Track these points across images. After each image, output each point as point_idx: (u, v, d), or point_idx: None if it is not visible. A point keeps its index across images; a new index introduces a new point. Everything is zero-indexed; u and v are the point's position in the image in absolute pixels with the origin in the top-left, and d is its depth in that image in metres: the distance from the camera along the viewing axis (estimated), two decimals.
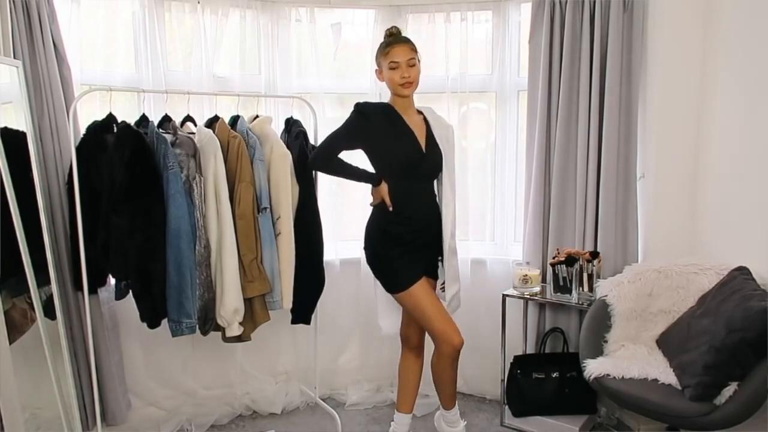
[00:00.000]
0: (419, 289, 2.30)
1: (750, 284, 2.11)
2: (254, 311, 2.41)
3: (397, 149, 2.29)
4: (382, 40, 2.35)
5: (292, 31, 3.05)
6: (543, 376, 2.77)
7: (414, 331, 2.51)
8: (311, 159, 2.40)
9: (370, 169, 2.36)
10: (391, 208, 2.29)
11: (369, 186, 2.37)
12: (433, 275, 2.46)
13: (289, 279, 2.44)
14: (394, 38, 2.29)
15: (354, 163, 2.35)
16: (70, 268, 2.49)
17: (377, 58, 2.33)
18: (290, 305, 2.48)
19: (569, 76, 2.73)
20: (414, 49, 2.27)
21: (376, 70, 2.35)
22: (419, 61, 2.29)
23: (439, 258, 2.44)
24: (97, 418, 2.44)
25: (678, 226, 2.71)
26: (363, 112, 2.29)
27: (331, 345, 3.13)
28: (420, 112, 2.41)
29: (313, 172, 2.58)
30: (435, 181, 2.43)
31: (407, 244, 2.33)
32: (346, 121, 2.31)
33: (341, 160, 2.32)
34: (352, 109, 2.32)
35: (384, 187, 2.30)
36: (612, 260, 2.73)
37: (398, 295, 2.34)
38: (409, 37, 2.35)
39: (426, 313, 2.31)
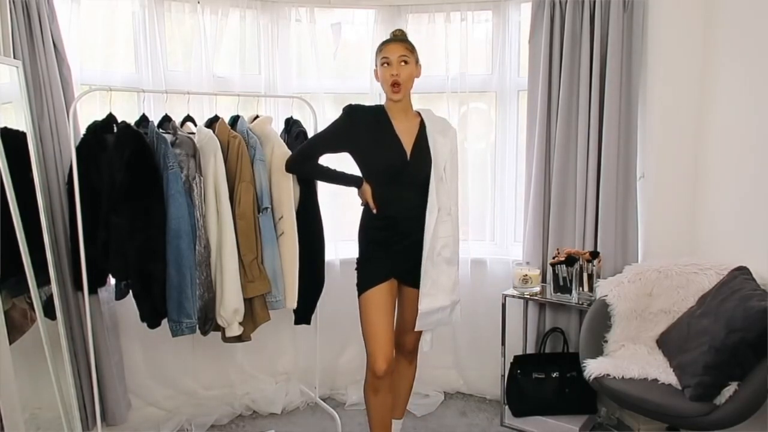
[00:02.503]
0: (373, 296, 2.22)
1: (750, 284, 2.11)
2: (254, 311, 2.41)
3: (380, 156, 2.22)
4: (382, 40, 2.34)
5: (292, 31, 3.05)
6: (543, 376, 2.78)
7: (407, 336, 2.41)
8: (286, 162, 2.34)
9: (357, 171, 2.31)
10: (375, 211, 2.24)
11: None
12: (412, 284, 2.27)
13: (293, 278, 2.44)
14: (392, 37, 2.27)
15: (341, 166, 2.32)
16: (70, 268, 2.48)
17: (375, 57, 2.31)
18: (294, 305, 2.48)
19: (569, 76, 2.73)
20: (409, 49, 2.21)
21: (374, 70, 2.31)
22: (417, 64, 2.24)
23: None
24: (97, 418, 2.44)
25: (678, 226, 2.71)
26: (351, 114, 2.25)
27: (331, 345, 3.13)
28: (418, 114, 2.34)
29: None
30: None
31: (386, 248, 2.25)
32: (333, 122, 2.28)
33: (316, 164, 2.30)
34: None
35: (367, 189, 2.25)
36: (612, 260, 2.73)
37: (358, 298, 2.28)
38: (409, 38, 2.32)
39: (366, 325, 2.23)
